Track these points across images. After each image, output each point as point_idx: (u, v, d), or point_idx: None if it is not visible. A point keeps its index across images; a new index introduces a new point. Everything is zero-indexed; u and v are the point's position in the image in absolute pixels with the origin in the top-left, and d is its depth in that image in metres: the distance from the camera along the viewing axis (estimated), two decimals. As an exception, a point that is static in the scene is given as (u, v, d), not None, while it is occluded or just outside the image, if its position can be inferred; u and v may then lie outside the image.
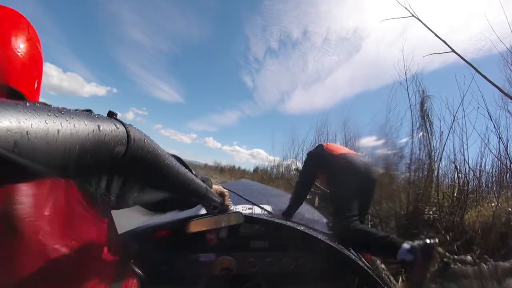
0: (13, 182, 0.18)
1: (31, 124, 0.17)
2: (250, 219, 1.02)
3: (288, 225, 1.00)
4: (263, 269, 1.04)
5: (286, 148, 8.81)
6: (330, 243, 0.95)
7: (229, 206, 0.88)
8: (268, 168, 9.80)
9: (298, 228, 1.00)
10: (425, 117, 3.56)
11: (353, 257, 0.94)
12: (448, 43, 2.68)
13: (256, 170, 14.04)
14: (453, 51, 2.54)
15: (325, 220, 1.59)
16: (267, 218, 1.07)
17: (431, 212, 2.72)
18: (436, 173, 3.03)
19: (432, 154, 3.13)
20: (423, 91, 3.70)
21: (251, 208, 1.28)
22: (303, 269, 1.07)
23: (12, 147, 0.15)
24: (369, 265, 1.02)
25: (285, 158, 9.10)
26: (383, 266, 2.43)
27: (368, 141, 5.66)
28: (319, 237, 0.97)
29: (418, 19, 2.79)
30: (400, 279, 2.25)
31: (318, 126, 7.73)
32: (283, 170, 9.14)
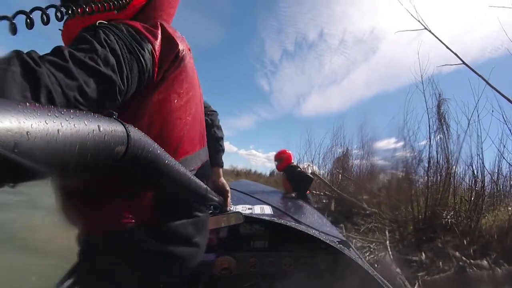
0: (13, 182, 0.18)
1: (31, 124, 0.17)
2: (250, 219, 1.03)
3: (288, 225, 0.99)
4: (263, 269, 1.04)
5: (302, 151, 8.83)
6: (330, 243, 0.94)
7: (229, 206, 0.88)
8: (284, 172, 9.88)
9: (298, 228, 0.99)
10: (442, 120, 3.55)
11: (354, 257, 0.94)
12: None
13: (272, 173, 14.08)
14: (464, 63, 2.56)
15: (329, 223, 1.59)
16: (267, 218, 1.05)
17: (448, 216, 2.71)
18: (453, 177, 3.01)
19: (450, 157, 3.11)
20: (439, 94, 3.68)
21: (251, 208, 1.27)
22: (303, 269, 1.07)
23: (12, 147, 0.16)
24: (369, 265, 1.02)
25: (301, 162, 9.12)
26: (398, 270, 2.46)
27: (386, 144, 5.62)
28: (319, 237, 0.96)
29: (430, 31, 2.83)
30: (417, 284, 2.27)
31: (334, 129, 7.73)
32: (299, 173, 9.12)
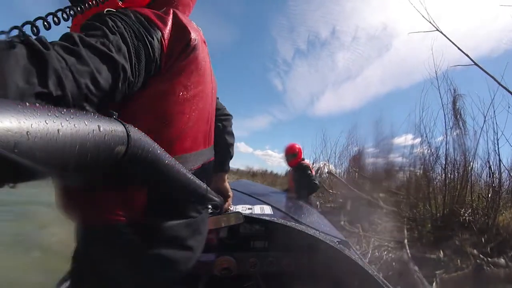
0: (13, 182, 0.18)
1: (31, 124, 0.17)
2: (250, 219, 1.02)
3: (288, 225, 0.99)
4: (263, 269, 1.04)
5: (318, 151, 8.82)
6: (330, 243, 0.94)
7: (229, 207, 0.88)
8: (299, 172, 9.86)
9: (298, 228, 0.98)
10: (458, 116, 3.49)
11: (354, 257, 0.93)
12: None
13: (287, 173, 14.05)
14: (475, 63, 2.53)
15: (327, 222, 1.58)
16: (267, 218, 1.05)
17: (466, 214, 2.69)
18: (470, 174, 2.96)
19: (467, 154, 3.06)
20: (454, 90, 3.62)
21: (251, 208, 1.27)
22: (303, 269, 1.07)
23: (12, 147, 0.16)
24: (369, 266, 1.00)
25: (316, 161, 9.10)
26: (415, 268, 2.47)
27: (403, 141, 5.53)
28: (319, 237, 0.96)
29: (441, 33, 2.82)
30: (434, 282, 2.28)
31: (350, 127, 7.67)
32: (314, 173, 9.09)
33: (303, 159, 3.04)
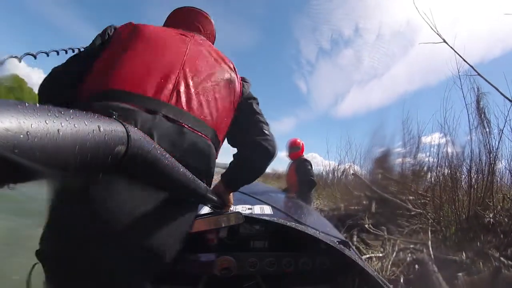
0: (13, 182, 0.18)
1: (31, 124, 0.17)
2: (250, 219, 1.01)
3: (288, 225, 0.99)
4: (263, 269, 1.03)
5: (343, 152, 8.72)
6: (330, 243, 0.94)
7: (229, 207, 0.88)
8: (323, 173, 9.64)
9: (298, 228, 0.98)
10: (482, 116, 3.39)
11: (354, 257, 0.93)
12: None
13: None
14: (479, 74, 2.51)
15: (327, 222, 1.57)
16: (267, 218, 1.04)
17: (491, 216, 2.61)
18: (495, 175, 2.86)
19: (491, 154, 2.95)
20: (477, 88, 3.52)
21: (251, 208, 1.27)
22: (303, 269, 1.06)
23: (12, 147, 0.16)
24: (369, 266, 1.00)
25: (341, 162, 8.98)
26: (435, 268, 2.45)
27: (430, 140, 5.36)
28: (319, 237, 0.95)
29: (448, 45, 2.82)
30: (456, 284, 2.25)
31: (375, 127, 7.50)
32: (339, 174, 8.96)
33: (303, 156, 3.16)
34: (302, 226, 1.05)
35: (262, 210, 1.29)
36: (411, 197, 5.18)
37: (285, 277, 1.07)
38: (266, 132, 0.82)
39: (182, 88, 0.66)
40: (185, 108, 0.65)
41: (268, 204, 1.37)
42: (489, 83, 2.45)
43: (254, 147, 0.80)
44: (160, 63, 0.67)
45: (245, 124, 0.83)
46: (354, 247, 1.29)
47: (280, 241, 1.11)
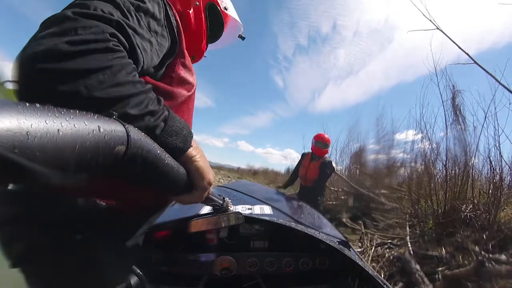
0: (13, 182, 0.18)
1: (31, 124, 0.17)
2: (250, 219, 1.00)
3: (288, 225, 0.98)
4: (263, 269, 1.03)
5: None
6: (330, 243, 0.93)
7: (229, 207, 0.88)
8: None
9: (298, 228, 0.98)
10: (458, 112, 3.49)
11: (354, 257, 0.93)
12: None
13: (287, 171, 14.00)
14: (475, 62, 2.51)
15: (327, 222, 1.57)
16: (267, 218, 1.03)
17: (467, 210, 2.68)
18: (471, 170, 2.96)
19: (467, 150, 3.05)
20: (453, 86, 3.62)
21: (251, 208, 1.26)
22: (303, 269, 1.06)
23: (12, 147, 0.16)
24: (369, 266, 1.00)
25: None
26: (417, 266, 2.47)
27: (405, 136, 5.53)
28: (319, 237, 0.95)
29: (442, 31, 2.79)
30: (437, 280, 2.28)
31: (351, 123, 7.65)
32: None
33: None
34: (302, 226, 1.04)
35: (262, 210, 1.27)
36: (384, 191, 5.36)
37: (285, 277, 1.07)
38: None
39: None
40: None
41: (268, 204, 1.37)
42: (485, 71, 2.48)
43: None
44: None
45: None
46: (355, 245, 1.29)
47: (280, 241, 1.11)
